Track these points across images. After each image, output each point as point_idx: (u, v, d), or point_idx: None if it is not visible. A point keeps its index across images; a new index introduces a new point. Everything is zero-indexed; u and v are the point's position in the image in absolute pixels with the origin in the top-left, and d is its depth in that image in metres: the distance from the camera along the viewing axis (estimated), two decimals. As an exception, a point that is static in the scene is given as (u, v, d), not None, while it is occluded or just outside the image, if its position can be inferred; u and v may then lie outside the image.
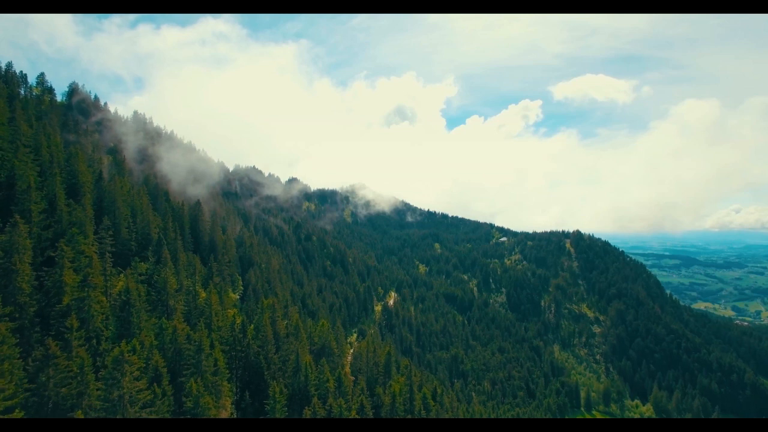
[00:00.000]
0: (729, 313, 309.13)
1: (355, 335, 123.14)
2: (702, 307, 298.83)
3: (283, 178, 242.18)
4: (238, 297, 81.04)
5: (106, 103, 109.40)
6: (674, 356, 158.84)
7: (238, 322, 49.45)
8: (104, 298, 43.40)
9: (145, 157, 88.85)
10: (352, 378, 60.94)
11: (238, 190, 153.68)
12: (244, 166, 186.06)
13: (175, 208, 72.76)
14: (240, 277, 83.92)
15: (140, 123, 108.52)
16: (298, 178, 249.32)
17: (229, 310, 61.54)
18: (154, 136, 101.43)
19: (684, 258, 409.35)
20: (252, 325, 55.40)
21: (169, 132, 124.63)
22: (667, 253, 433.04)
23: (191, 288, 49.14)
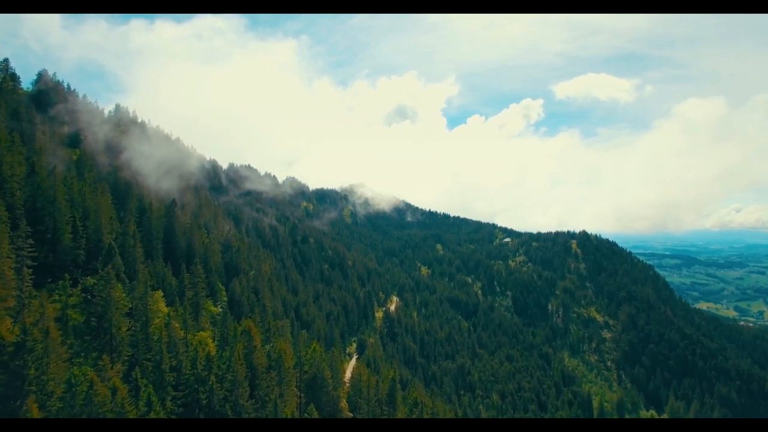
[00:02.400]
0: (731, 313, 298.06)
1: (354, 345, 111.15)
2: (704, 308, 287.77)
3: (284, 177, 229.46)
4: (220, 310, 68.89)
5: (85, 95, 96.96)
6: (689, 363, 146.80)
7: (202, 355, 37.37)
8: (15, 333, 31.25)
9: (118, 151, 76.65)
10: (350, 415, 48.94)
11: (231, 189, 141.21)
12: (239, 164, 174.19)
13: (144, 208, 60.54)
14: (223, 288, 71.66)
15: (119, 114, 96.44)
16: (296, 177, 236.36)
17: (202, 333, 49.33)
18: (130, 127, 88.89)
19: (685, 258, 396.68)
20: (226, 352, 43.34)
21: (154, 125, 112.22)
22: (667, 253, 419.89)
23: (142, 310, 37.01)
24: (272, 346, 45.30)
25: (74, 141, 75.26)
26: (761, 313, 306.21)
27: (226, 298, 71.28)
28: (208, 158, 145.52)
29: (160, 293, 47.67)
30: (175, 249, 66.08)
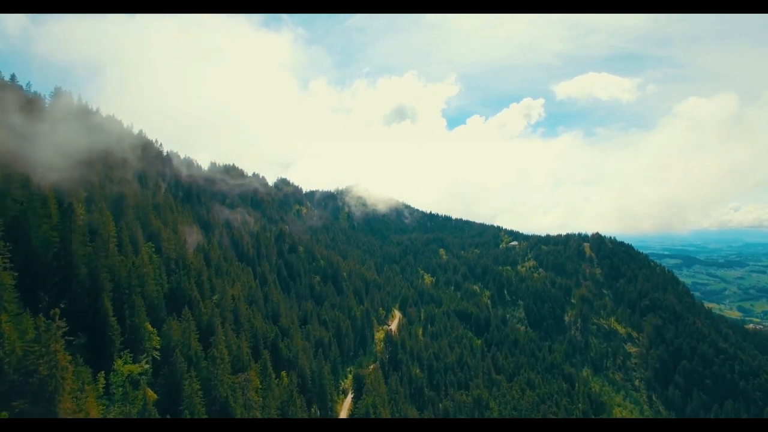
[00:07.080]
0: (735, 314, 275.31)
1: (350, 377, 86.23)
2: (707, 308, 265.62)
3: (279, 179, 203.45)
4: (148, 367, 43.80)
5: (14, 75, 71.52)
6: (729, 382, 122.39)
7: None
8: None
9: (14, 135, 51.83)
10: None
11: (206, 191, 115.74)
12: (221, 164, 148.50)
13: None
14: (155, 330, 46.40)
15: (56, 97, 71.54)
16: (292, 179, 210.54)
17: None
18: (34, 106, 63.30)
19: (685, 257, 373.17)
20: None
21: (105, 114, 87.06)
22: (667, 253, 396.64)
23: None
24: None
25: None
26: (766, 313, 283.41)
27: (159, 346, 46.10)
28: (183, 156, 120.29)
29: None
30: (71, 279, 40.92)
